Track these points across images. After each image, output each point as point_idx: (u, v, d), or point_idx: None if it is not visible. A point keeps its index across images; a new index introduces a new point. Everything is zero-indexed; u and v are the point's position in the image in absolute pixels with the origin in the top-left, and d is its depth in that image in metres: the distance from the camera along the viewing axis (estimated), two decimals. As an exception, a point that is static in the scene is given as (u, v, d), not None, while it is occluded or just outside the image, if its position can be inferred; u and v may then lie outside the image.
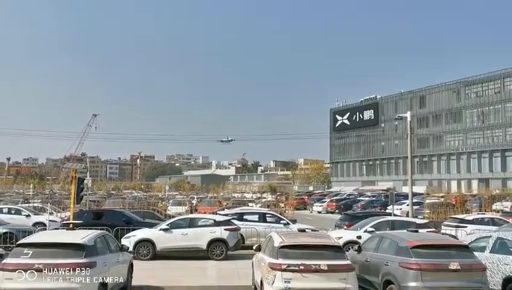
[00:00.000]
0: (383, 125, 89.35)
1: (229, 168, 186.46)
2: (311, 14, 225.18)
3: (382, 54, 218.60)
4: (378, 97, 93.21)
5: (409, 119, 29.22)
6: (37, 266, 8.68)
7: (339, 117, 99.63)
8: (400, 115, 35.58)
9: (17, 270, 8.72)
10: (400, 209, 33.48)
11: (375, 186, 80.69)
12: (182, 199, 44.54)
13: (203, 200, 46.63)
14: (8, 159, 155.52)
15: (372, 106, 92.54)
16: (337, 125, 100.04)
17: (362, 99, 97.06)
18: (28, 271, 8.67)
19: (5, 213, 24.90)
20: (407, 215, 27.14)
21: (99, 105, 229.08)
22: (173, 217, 22.52)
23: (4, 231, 18.89)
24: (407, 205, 30.23)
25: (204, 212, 27.78)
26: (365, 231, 16.66)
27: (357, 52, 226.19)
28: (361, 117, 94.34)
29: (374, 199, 47.44)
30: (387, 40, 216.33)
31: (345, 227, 20.23)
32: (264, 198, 54.98)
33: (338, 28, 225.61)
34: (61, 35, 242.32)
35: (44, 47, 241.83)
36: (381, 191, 58.87)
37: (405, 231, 12.67)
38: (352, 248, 13.35)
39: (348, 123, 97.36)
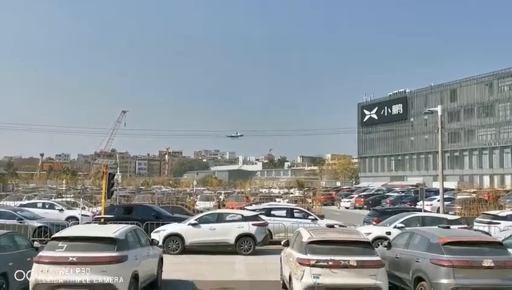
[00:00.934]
0: (412, 119, 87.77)
1: (255, 163, 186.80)
2: (333, 9, 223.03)
3: (410, 48, 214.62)
4: (407, 91, 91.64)
5: (439, 113, 28.59)
6: (71, 259, 8.90)
7: (366, 112, 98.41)
8: (430, 109, 34.76)
9: (52, 263, 8.97)
10: (431, 205, 32.88)
11: (404, 181, 79.38)
12: (209, 194, 44.93)
13: (231, 195, 46.88)
14: (42, 155, 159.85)
15: (401, 100, 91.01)
16: (365, 120, 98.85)
17: (390, 93, 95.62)
18: (63, 264, 8.91)
19: (39, 207, 25.67)
20: (438, 211, 26.67)
21: (128, 102, 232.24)
22: (201, 212, 22.76)
23: (39, 225, 19.49)
24: (438, 200, 29.66)
25: (232, 208, 27.92)
26: (395, 227, 16.47)
27: (384, 46, 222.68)
28: (390, 111, 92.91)
29: (403, 194, 46.73)
30: (416, 34, 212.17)
31: (374, 223, 19.98)
32: (291, 193, 54.85)
33: (363, 22, 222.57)
34: (89, 32, 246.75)
35: (73, 44, 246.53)
36: (410, 187, 57.91)
37: (436, 227, 12.45)
38: (381, 244, 13.20)
39: (376, 118, 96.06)
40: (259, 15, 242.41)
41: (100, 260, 9.00)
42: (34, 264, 9.11)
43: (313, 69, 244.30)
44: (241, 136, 75.57)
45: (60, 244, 9.28)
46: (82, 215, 22.39)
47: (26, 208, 23.60)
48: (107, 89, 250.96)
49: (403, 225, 16.28)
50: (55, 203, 27.66)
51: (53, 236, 10.06)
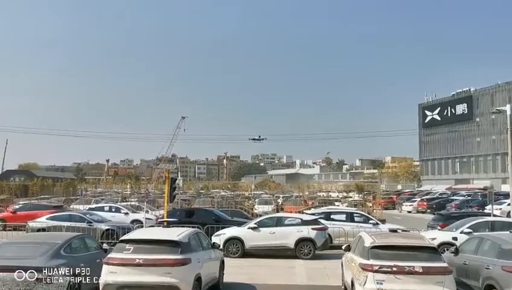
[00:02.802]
0: (477, 119, 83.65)
1: (313, 167, 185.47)
2: (395, 7, 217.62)
3: (473, 45, 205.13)
4: (471, 90, 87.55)
5: (508, 112, 27.07)
6: (137, 261, 9.27)
7: (428, 112, 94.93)
8: (498, 108, 32.99)
9: (120, 264, 9.37)
10: (500, 209, 31.13)
11: (470, 184, 75.82)
12: (268, 198, 45.08)
13: (289, 199, 46.83)
14: (107, 160, 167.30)
15: (466, 100, 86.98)
16: (426, 121, 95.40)
17: (454, 92, 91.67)
18: (130, 265, 9.29)
19: (106, 211, 26.85)
20: (508, 216, 25.29)
21: (186, 107, 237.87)
22: (260, 215, 22.90)
23: (106, 227, 20.41)
24: (508, 204, 28.07)
25: (290, 211, 27.89)
26: (462, 232, 15.79)
27: (446, 44, 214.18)
28: (453, 112, 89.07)
29: (470, 198, 44.63)
30: (479, 31, 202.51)
31: (439, 228, 19.28)
32: (350, 197, 53.95)
33: (423, 19, 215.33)
34: (149, 37, 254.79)
35: (132, 49, 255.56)
36: (477, 190, 55.19)
37: (508, 232, 11.82)
38: (447, 249, 12.70)
39: (439, 118, 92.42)
40: (312, 15, 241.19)
41: (165, 263, 9.30)
42: (104, 265, 9.55)
43: (370, 70, 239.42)
44: (263, 139, 76.23)
45: (127, 246, 9.68)
46: (146, 218, 23.20)
47: (94, 212, 24.78)
48: (166, 95, 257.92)
49: (471, 230, 15.58)
50: (120, 207, 28.80)
51: (121, 239, 10.49)
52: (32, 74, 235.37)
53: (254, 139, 75.49)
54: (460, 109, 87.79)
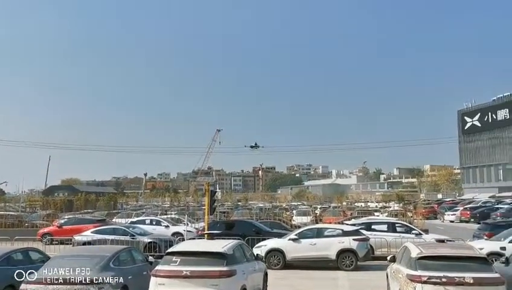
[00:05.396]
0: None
1: (349, 177, 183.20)
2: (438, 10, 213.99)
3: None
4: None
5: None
6: (184, 273, 9.45)
7: (468, 119, 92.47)
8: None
9: (168, 276, 9.56)
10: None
11: (515, 192, 73.00)
12: (306, 209, 44.86)
13: (327, 210, 46.43)
14: (145, 174, 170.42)
15: (507, 105, 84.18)
16: (466, 128, 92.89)
17: (494, 98, 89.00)
18: (177, 277, 9.47)
19: (147, 224, 27.37)
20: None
21: (222, 120, 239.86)
22: (299, 227, 22.82)
23: (149, 240, 20.80)
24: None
25: (330, 222, 27.67)
26: (510, 242, 15.27)
27: (483, 48, 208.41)
28: (495, 117, 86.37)
29: (516, 206, 42.90)
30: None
31: (485, 237, 18.69)
32: (390, 207, 52.97)
33: (466, 23, 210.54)
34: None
35: (171, 63, 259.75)
36: (523, 198, 53.10)
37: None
38: (495, 260, 12.33)
39: (479, 125, 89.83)
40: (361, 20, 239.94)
41: (211, 275, 9.43)
42: (152, 277, 9.76)
43: (406, 76, 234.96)
44: (259, 147, 76.07)
45: (174, 258, 9.87)
46: (187, 231, 23.55)
47: (136, 225, 25.31)
48: (203, 109, 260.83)
49: (521, 240, 15.06)
50: (161, 220, 29.28)
51: (167, 251, 10.69)
52: (72, 91, 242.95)
53: (251, 146, 75.64)
54: (502, 114, 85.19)
